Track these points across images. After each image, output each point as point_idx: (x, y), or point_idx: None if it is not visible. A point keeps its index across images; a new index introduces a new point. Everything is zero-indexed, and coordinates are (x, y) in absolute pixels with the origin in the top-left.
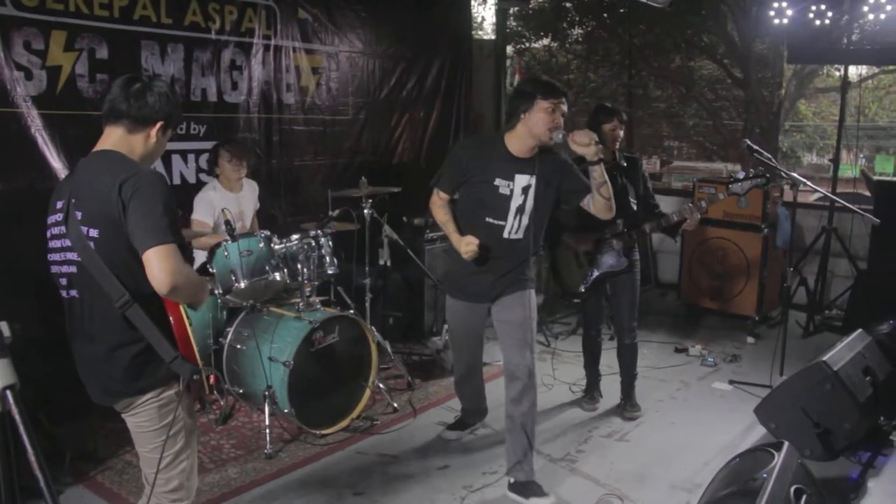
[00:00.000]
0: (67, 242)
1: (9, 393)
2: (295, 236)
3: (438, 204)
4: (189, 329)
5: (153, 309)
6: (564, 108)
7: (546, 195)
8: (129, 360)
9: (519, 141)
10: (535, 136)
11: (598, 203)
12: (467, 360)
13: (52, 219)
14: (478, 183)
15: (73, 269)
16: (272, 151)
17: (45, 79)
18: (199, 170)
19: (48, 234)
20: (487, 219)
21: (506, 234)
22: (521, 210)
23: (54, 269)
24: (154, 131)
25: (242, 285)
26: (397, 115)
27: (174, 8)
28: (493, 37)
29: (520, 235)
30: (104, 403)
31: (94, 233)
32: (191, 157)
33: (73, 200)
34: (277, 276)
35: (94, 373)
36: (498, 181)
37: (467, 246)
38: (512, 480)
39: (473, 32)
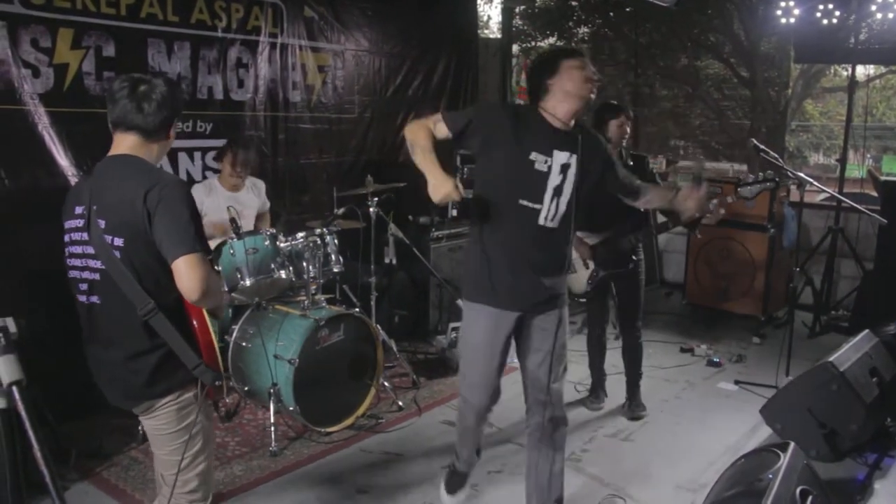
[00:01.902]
0: (90, 250)
1: (15, 389)
2: (300, 234)
3: (425, 128)
4: (213, 335)
5: (176, 316)
6: (592, 68)
7: (585, 180)
8: (149, 366)
9: (554, 110)
10: (574, 94)
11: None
12: (489, 392)
13: (71, 224)
14: (508, 154)
15: (96, 276)
16: (278, 149)
17: (53, 76)
18: (205, 167)
19: (67, 239)
20: (521, 201)
21: (541, 221)
22: (558, 192)
23: (73, 273)
24: (171, 132)
25: (248, 283)
26: (403, 113)
27: (181, 6)
28: (499, 35)
29: (555, 224)
30: (123, 407)
31: (118, 241)
32: (197, 154)
33: (95, 207)
34: (283, 274)
35: (113, 377)
36: (534, 155)
37: (450, 184)
38: None
39: (479, 31)
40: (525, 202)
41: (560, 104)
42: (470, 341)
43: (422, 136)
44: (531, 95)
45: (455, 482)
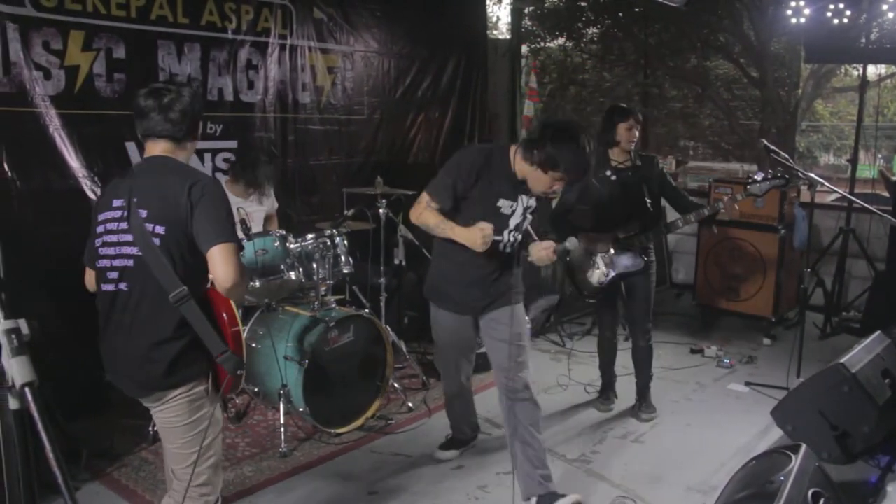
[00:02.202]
0: (127, 237)
1: (27, 390)
2: (310, 235)
3: (428, 210)
4: (241, 327)
5: (204, 306)
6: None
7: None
8: (169, 356)
9: (520, 171)
10: (534, 189)
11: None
12: (458, 376)
13: (107, 215)
14: (479, 201)
15: (130, 262)
16: (287, 151)
17: (64, 78)
18: (215, 169)
19: (100, 230)
20: None
21: (500, 248)
22: (518, 227)
23: (103, 262)
24: (196, 133)
25: (258, 284)
26: (412, 114)
27: (191, 8)
28: (508, 36)
29: (509, 249)
30: (136, 396)
31: (160, 230)
32: (207, 156)
33: (136, 199)
34: (292, 275)
35: (130, 366)
36: (502, 202)
37: (483, 231)
38: (534, 501)
39: (488, 32)
40: None
41: (524, 176)
42: (438, 338)
43: (429, 217)
44: (529, 138)
45: (450, 445)
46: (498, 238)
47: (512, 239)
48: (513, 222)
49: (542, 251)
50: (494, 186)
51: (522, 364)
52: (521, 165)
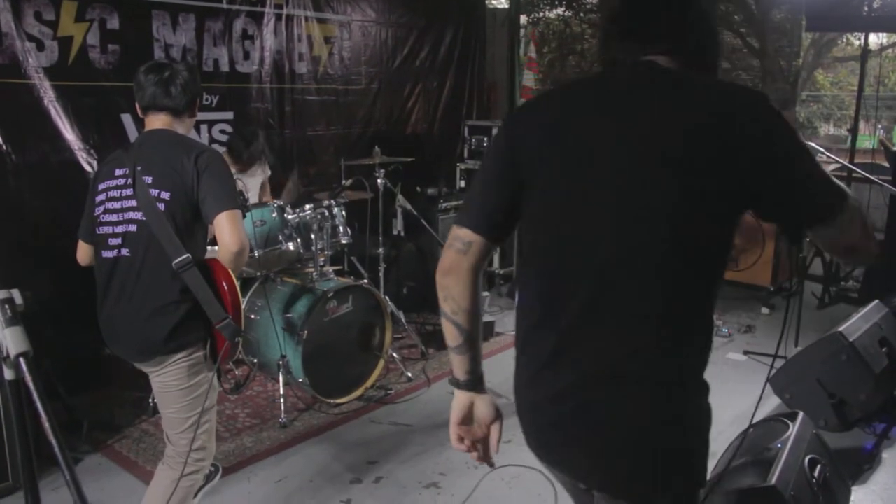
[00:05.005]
0: (131, 203)
1: (22, 360)
2: (308, 206)
3: None
4: (240, 296)
5: (205, 273)
6: None
7: None
8: (170, 321)
9: None
10: None
11: None
12: None
13: (108, 183)
14: None
15: (133, 227)
16: (285, 122)
17: (57, 50)
18: (211, 140)
19: (102, 198)
20: None
21: None
22: None
23: (104, 229)
24: (195, 110)
25: (256, 255)
26: (410, 84)
27: None
28: (506, 6)
29: None
30: (136, 362)
31: (165, 195)
32: (203, 127)
33: (140, 168)
34: (291, 245)
35: (130, 331)
36: None
37: None
38: None
39: (487, 1)
40: None
41: None
42: None
43: None
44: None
45: None
46: None
47: None
48: None
49: None
50: None
51: None
52: None
